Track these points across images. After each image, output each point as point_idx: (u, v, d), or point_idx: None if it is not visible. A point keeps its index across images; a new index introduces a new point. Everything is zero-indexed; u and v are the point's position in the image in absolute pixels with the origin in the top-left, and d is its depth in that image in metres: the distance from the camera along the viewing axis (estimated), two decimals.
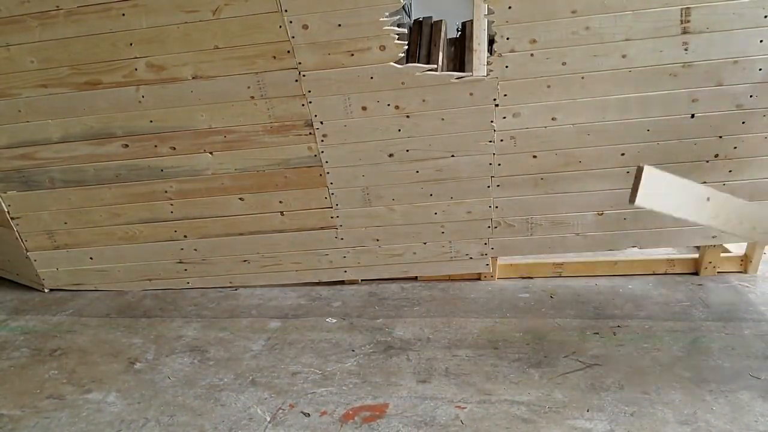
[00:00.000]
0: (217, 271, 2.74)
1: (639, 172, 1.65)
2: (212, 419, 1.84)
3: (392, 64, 2.19)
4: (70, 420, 1.88)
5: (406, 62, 2.31)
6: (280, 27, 2.14)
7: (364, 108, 2.29)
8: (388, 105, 2.27)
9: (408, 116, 2.30)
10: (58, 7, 2.17)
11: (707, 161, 2.32)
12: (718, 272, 2.63)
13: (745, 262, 2.63)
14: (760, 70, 2.14)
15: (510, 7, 2.10)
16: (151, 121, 2.38)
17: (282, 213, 2.56)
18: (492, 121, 2.29)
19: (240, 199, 2.53)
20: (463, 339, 2.22)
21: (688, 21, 2.08)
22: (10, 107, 2.38)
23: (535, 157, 2.36)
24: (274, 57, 2.20)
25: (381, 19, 2.10)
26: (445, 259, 2.63)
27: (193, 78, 2.27)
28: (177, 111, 2.34)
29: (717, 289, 2.50)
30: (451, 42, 3.18)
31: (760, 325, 2.18)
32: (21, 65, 2.29)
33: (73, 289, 2.85)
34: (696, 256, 2.68)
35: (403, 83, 2.22)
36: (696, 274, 2.63)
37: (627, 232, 2.50)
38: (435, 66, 2.46)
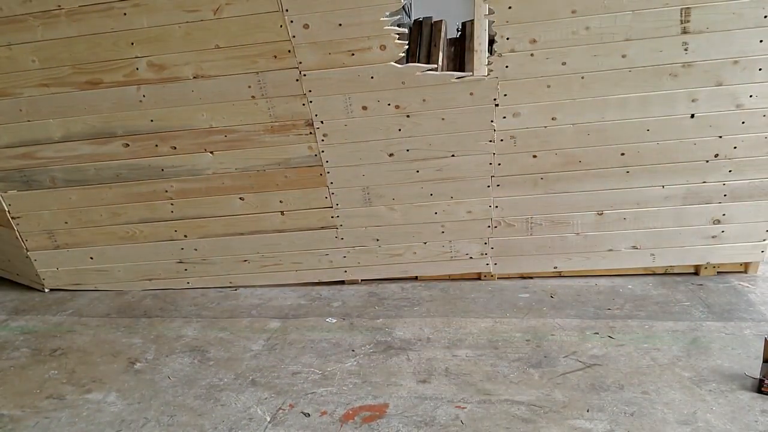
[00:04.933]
0: (217, 271, 2.74)
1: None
2: (212, 419, 1.84)
3: (393, 63, 2.19)
4: (70, 420, 1.88)
5: (407, 62, 2.31)
6: (281, 26, 2.14)
7: (364, 107, 2.29)
8: (389, 104, 2.27)
9: (408, 116, 2.30)
10: (59, 6, 2.17)
11: (707, 161, 2.32)
12: (718, 272, 2.62)
13: (745, 263, 2.63)
14: (760, 69, 2.14)
15: (510, 7, 2.10)
16: (151, 121, 2.38)
17: (282, 213, 2.56)
18: (492, 121, 2.29)
19: (240, 198, 2.53)
20: (463, 339, 2.21)
21: (688, 21, 2.08)
22: (12, 106, 2.38)
23: (535, 156, 2.36)
24: (275, 56, 2.20)
25: (381, 18, 2.10)
26: (445, 259, 2.63)
27: (194, 77, 2.27)
28: (178, 110, 2.35)
29: (717, 290, 2.50)
30: (451, 42, 3.18)
31: (760, 325, 2.18)
32: (23, 64, 2.29)
33: (73, 289, 2.85)
34: None
35: (403, 83, 2.22)
36: (696, 274, 2.63)
37: (627, 232, 2.50)
38: (435, 66, 2.46)
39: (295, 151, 2.40)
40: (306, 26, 2.13)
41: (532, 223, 2.50)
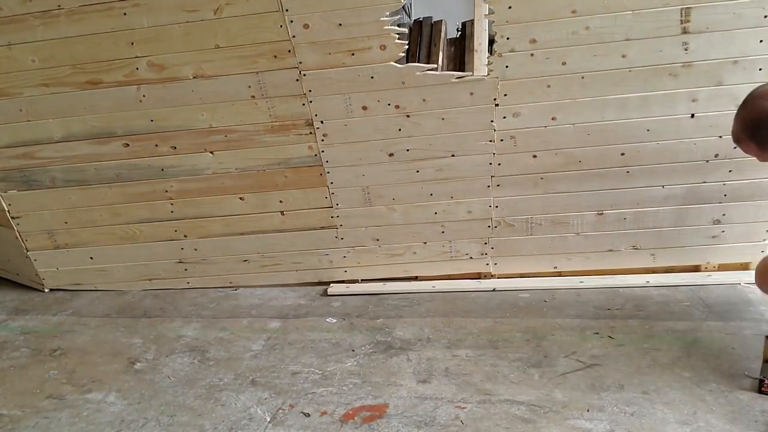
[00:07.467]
0: (217, 271, 2.74)
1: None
2: (212, 419, 1.84)
3: (393, 63, 2.19)
4: (70, 420, 1.88)
5: (407, 62, 2.31)
6: (281, 26, 2.14)
7: (364, 107, 2.29)
8: (389, 104, 2.27)
9: (408, 116, 2.30)
10: (59, 6, 2.18)
11: (707, 161, 2.32)
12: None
13: (745, 263, 2.63)
14: (760, 69, 2.14)
15: (510, 7, 2.10)
16: (151, 121, 2.38)
17: (282, 213, 2.56)
18: (492, 121, 2.29)
19: (240, 198, 2.53)
20: (463, 339, 2.22)
21: (688, 21, 2.08)
22: (12, 106, 2.38)
23: (535, 156, 2.36)
24: (275, 56, 2.20)
25: (381, 18, 2.10)
26: (445, 259, 2.63)
27: (194, 77, 2.27)
28: (178, 110, 2.35)
29: (717, 289, 2.50)
30: (451, 42, 3.18)
31: (761, 325, 2.18)
32: (22, 64, 2.29)
33: (73, 288, 2.85)
34: None
35: (403, 83, 2.22)
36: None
37: (627, 232, 2.50)
38: (435, 66, 2.47)
39: (295, 151, 2.40)
40: (306, 26, 2.13)
41: (532, 223, 2.50)
